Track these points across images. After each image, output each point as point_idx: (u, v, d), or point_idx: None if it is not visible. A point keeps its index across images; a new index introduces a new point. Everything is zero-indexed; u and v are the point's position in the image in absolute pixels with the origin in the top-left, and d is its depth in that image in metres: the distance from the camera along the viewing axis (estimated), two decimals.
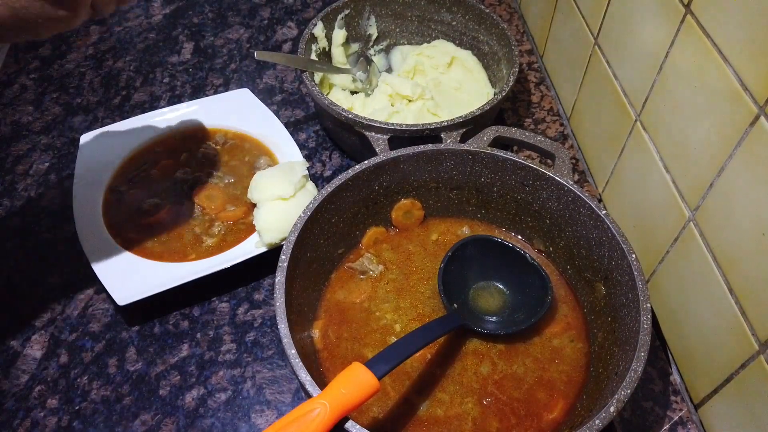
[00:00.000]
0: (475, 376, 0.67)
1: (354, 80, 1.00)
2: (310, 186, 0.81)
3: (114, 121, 0.94)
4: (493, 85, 0.98)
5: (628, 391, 0.55)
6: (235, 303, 0.78)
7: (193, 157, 0.89)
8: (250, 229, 0.80)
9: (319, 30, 0.96)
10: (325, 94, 0.96)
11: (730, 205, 0.58)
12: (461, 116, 0.81)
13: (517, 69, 0.87)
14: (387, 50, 1.07)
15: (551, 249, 0.76)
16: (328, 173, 0.93)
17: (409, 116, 0.90)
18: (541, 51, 1.09)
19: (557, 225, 0.74)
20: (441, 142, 0.79)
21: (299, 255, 0.66)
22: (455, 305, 0.71)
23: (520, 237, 0.79)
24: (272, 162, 0.88)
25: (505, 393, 0.66)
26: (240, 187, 0.86)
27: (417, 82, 0.96)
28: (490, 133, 0.78)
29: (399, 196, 0.78)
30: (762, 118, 0.53)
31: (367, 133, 0.81)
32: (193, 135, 0.92)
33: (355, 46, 1.03)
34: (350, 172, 0.71)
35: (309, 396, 0.54)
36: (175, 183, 0.86)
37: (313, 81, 0.88)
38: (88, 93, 1.04)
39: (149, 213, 0.82)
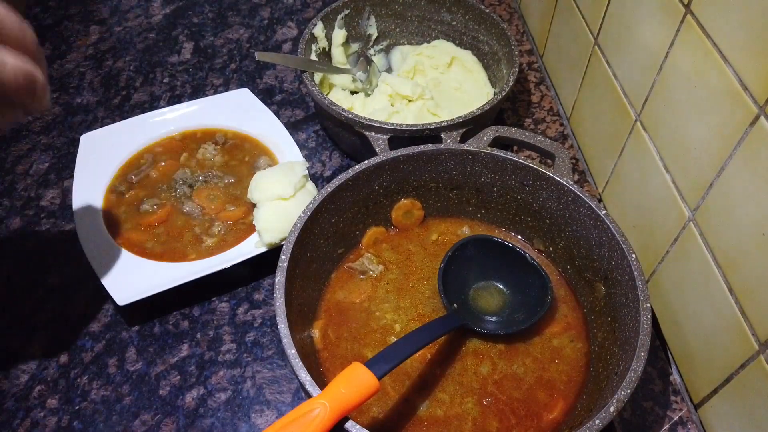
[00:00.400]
0: (475, 376, 0.67)
1: (354, 80, 1.00)
2: (310, 186, 0.81)
3: (114, 121, 0.94)
4: (493, 85, 0.98)
5: (628, 391, 0.55)
6: (235, 303, 0.78)
7: (193, 157, 0.89)
8: (250, 229, 0.80)
9: (319, 30, 0.96)
10: (325, 94, 0.96)
11: (730, 205, 0.58)
12: (461, 116, 0.81)
13: (517, 69, 0.87)
14: (387, 50, 1.07)
15: (551, 249, 0.76)
16: (328, 173, 0.93)
17: (409, 116, 0.90)
18: (541, 51, 1.09)
19: (557, 225, 0.74)
20: (441, 142, 0.79)
21: (299, 255, 0.66)
22: (455, 305, 0.71)
23: (520, 237, 0.79)
24: (272, 162, 0.88)
25: (505, 393, 0.66)
26: (240, 187, 0.86)
27: (417, 82, 0.96)
28: (490, 133, 0.78)
29: (399, 196, 0.78)
30: (762, 118, 0.53)
31: (367, 133, 0.81)
32: (193, 135, 0.92)
33: (355, 46, 1.03)
34: (350, 172, 0.71)
35: (309, 396, 0.54)
36: (175, 183, 0.86)
37: (313, 81, 0.88)
38: (88, 93, 1.04)
39: (149, 213, 0.82)
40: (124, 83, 1.06)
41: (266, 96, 1.04)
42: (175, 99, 1.03)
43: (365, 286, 0.74)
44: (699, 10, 0.60)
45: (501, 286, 0.74)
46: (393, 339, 0.70)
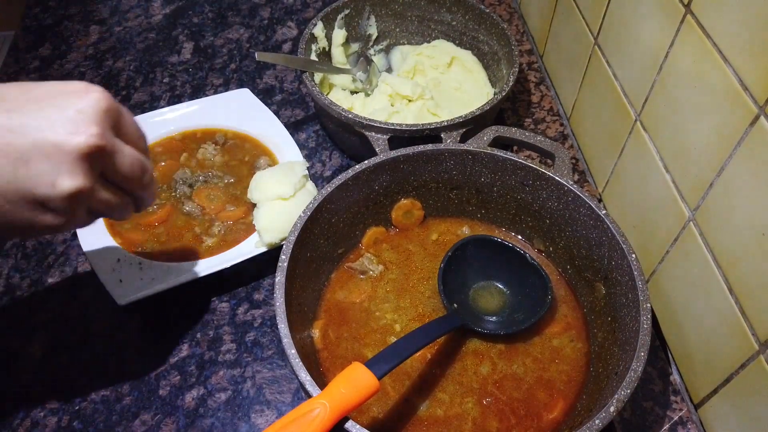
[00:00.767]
0: (475, 376, 0.67)
1: (354, 80, 1.00)
2: (310, 186, 0.81)
3: None
4: (493, 85, 0.98)
5: (628, 391, 0.55)
6: (235, 303, 0.78)
7: (193, 157, 0.89)
8: (250, 229, 0.80)
9: (319, 30, 0.96)
10: (325, 94, 0.96)
11: (730, 205, 0.58)
12: (461, 116, 0.81)
13: (517, 69, 0.87)
14: (387, 50, 1.07)
15: (551, 249, 0.76)
16: (328, 173, 0.93)
17: (409, 116, 0.90)
18: (541, 51, 1.09)
19: (557, 225, 0.74)
20: (441, 142, 0.79)
21: (299, 255, 0.66)
22: (455, 305, 0.71)
23: (520, 237, 0.79)
24: (272, 162, 0.88)
25: (505, 393, 0.66)
26: (240, 187, 0.86)
27: (417, 82, 0.96)
28: (490, 133, 0.78)
29: (399, 196, 0.78)
30: (762, 118, 0.53)
31: (367, 133, 0.81)
32: (193, 135, 0.92)
33: (355, 46, 1.03)
34: (350, 172, 0.71)
35: (309, 396, 0.54)
36: (175, 183, 0.86)
37: (313, 81, 0.88)
38: None
39: (149, 213, 0.82)
40: (124, 83, 1.06)
41: (266, 96, 1.04)
42: (175, 99, 1.03)
43: (365, 286, 0.74)
44: (699, 10, 0.60)
45: (501, 286, 0.74)
46: (393, 339, 0.70)
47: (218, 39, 1.15)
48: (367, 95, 0.98)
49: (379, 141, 0.80)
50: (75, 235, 0.77)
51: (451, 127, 0.80)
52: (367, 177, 0.73)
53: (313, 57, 0.95)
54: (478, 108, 0.82)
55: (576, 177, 0.91)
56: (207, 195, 0.85)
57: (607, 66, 0.81)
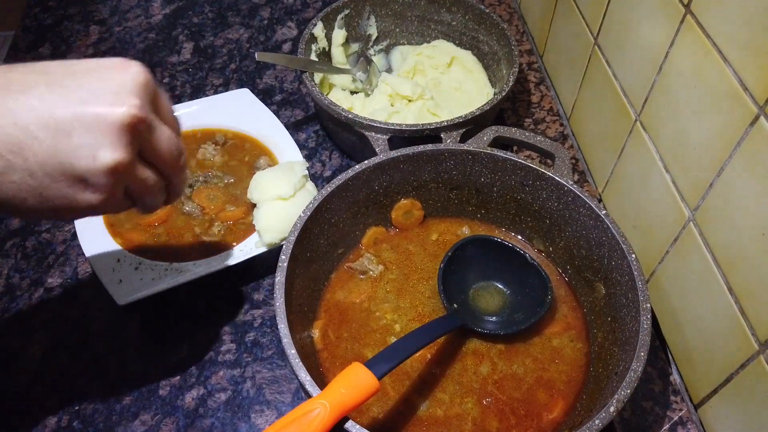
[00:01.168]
0: (475, 376, 0.67)
1: (354, 80, 1.00)
2: (310, 186, 0.81)
3: None
4: (493, 85, 0.98)
5: (628, 391, 0.55)
6: (235, 303, 0.78)
7: (193, 157, 0.89)
8: (250, 229, 0.80)
9: (319, 30, 0.96)
10: (325, 94, 0.96)
11: (730, 205, 0.58)
12: (461, 116, 0.81)
13: (517, 69, 0.87)
14: (387, 50, 1.07)
15: (551, 249, 0.76)
16: (328, 173, 0.93)
17: (409, 116, 0.90)
18: (541, 51, 1.09)
19: (557, 225, 0.74)
20: (441, 142, 0.79)
21: (299, 255, 0.66)
22: (455, 305, 0.71)
23: (520, 237, 0.79)
24: (272, 162, 0.88)
25: (505, 393, 0.66)
26: (240, 187, 0.86)
27: (417, 82, 0.96)
28: (490, 133, 0.78)
29: (399, 196, 0.78)
30: (762, 118, 0.53)
31: (367, 133, 0.81)
32: (193, 135, 0.92)
33: (355, 46, 1.03)
34: (350, 172, 0.71)
35: (309, 396, 0.54)
36: None
37: (313, 81, 0.88)
38: None
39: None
40: None
41: (266, 96, 1.04)
42: (175, 99, 1.03)
43: (365, 286, 0.74)
44: (699, 10, 0.60)
45: (501, 286, 0.74)
46: (393, 339, 0.70)
47: (218, 39, 1.15)
48: (367, 95, 0.98)
49: (379, 141, 0.80)
50: (75, 235, 0.77)
51: (451, 127, 0.80)
52: (367, 177, 0.73)
53: (313, 57, 0.95)
54: (478, 108, 0.82)
55: (576, 177, 0.91)
56: (207, 195, 0.85)
57: (607, 66, 0.81)
